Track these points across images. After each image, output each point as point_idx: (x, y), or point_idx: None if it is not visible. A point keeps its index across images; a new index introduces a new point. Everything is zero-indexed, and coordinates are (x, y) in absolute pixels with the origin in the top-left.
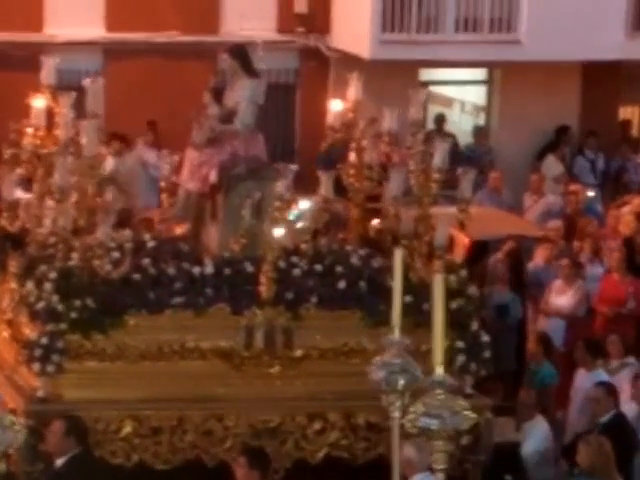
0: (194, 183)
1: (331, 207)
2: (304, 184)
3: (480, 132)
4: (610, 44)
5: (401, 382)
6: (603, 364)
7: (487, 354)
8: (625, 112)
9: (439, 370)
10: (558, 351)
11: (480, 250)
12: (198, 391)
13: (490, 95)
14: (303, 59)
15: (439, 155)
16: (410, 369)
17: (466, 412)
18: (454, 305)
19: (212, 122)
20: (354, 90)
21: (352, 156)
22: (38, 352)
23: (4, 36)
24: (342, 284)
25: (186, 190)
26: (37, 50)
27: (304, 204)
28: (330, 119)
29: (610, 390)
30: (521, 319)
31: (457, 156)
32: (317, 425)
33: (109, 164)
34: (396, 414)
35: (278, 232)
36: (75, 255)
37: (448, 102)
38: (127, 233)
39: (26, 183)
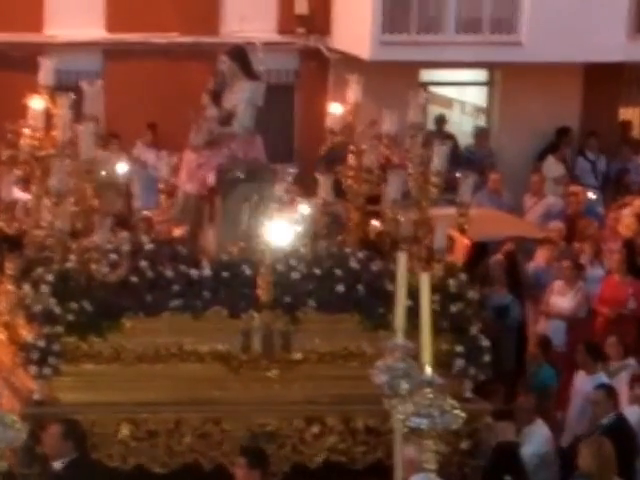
0: (192, 185)
1: (331, 209)
2: (304, 186)
3: (480, 133)
4: (611, 46)
5: (404, 386)
6: (603, 366)
7: (486, 358)
8: (626, 113)
9: (428, 369)
10: (559, 352)
11: (480, 252)
12: (195, 394)
13: (491, 96)
14: (303, 60)
15: (438, 158)
16: (413, 373)
17: (456, 411)
18: (453, 309)
19: (210, 124)
20: (354, 93)
21: (351, 159)
22: (35, 355)
23: (4, 36)
24: (341, 287)
25: (184, 192)
26: (37, 51)
27: (303, 207)
28: (329, 122)
29: (610, 393)
30: (521, 321)
31: (457, 158)
32: (315, 429)
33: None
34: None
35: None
36: (72, 257)
37: (448, 103)
38: (125, 235)
39: (24, 184)
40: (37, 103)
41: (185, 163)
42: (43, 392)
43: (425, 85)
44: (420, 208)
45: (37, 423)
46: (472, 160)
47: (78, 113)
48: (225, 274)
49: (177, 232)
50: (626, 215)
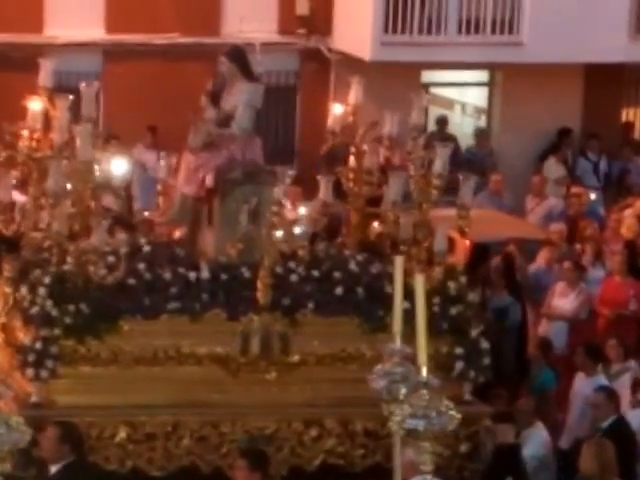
0: (190, 187)
1: (331, 210)
2: (305, 187)
3: (481, 134)
4: (613, 46)
5: (402, 391)
6: (604, 369)
7: (486, 361)
8: (627, 114)
9: (424, 371)
10: (560, 354)
11: (481, 253)
12: (193, 397)
13: (492, 97)
14: (304, 61)
15: (440, 161)
16: (411, 378)
17: (451, 412)
18: (453, 311)
19: (209, 126)
20: (355, 93)
21: (351, 160)
22: (32, 357)
23: (4, 37)
24: (339, 290)
25: (182, 194)
26: (37, 51)
27: (302, 209)
28: (330, 122)
29: (611, 395)
30: (521, 323)
31: (458, 159)
32: (314, 432)
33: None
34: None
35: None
36: (70, 260)
37: (449, 104)
38: (122, 238)
39: (23, 186)
40: (36, 104)
41: (183, 165)
42: (40, 395)
43: (426, 86)
44: (421, 210)
45: (34, 426)
46: (473, 161)
47: (78, 114)
48: (224, 276)
49: (177, 234)
50: (627, 216)
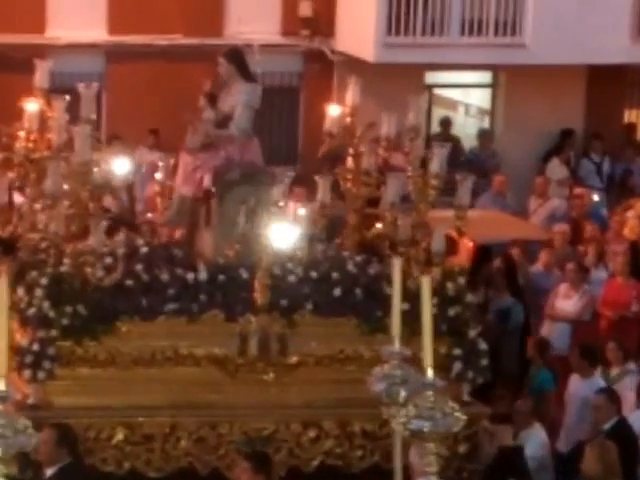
0: (188, 188)
1: (332, 211)
2: (309, 188)
3: (485, 135)
4: (615, 48)
5: (402, 394)
6: (603, 372)
7: (484, 362)
8: (630, 116)
9: (429, 372)
10: (563, 356)
11: (484, 254)
12: (191, 398)
13: (495, 98)
14: (307, 62)
15: (437, 161)
16: (411, 380)
17: (457, 414)
18: (451, 312)
19: (207, 127)
20: (352, 95)
21: (349, 161)
22: (29, 359)
23: (6, 38)
24: (338, 291)
25: (180, 195)
26: (39, 53)
27: (301, 209)
28: (328, 124)
29: (612, 397)
30: (524, 324)
31: (462, 160)
32: (312, 433)
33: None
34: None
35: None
36: (67, 261)
37: (453, 105)
38: (120, 239)
39: (22, 187)
40: (32, 105)
41: (181, 165)
42: (37, 396)
43: (430, 87)
44: (419, 211)
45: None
46: (476, 162)
47: (78, 115)
48: (221, 277)
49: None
50: (630, 217)
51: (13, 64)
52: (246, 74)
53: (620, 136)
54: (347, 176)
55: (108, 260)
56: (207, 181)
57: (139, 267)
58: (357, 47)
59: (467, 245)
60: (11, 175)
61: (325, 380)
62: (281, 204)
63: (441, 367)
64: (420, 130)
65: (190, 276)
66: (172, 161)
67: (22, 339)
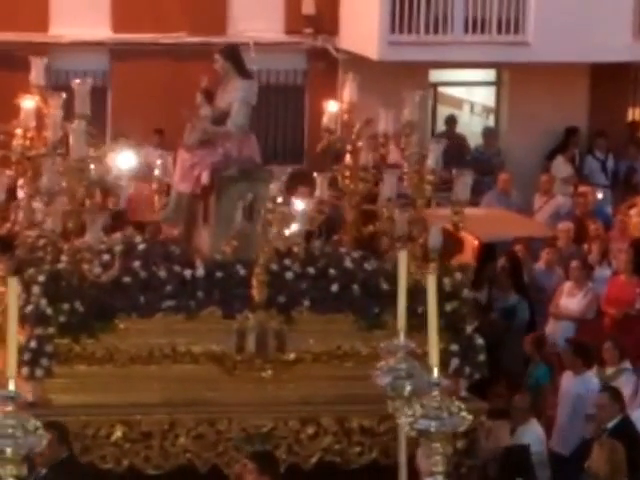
0: (186, 185)
1: (331, 207)
2: (313, 186)
3: (489, 133)
4: (618, 46)
5: (407, 388)
6: (598, 371)
7: (481, 357)
8: (634, 113)
9: (435, 372)
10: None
11: (489, 252)
12: (189, 395)
13: (499, 96)
14: (311, 60)
15: (433, 157)
16: (416, 374)
17: (463, 413)
18: (448, 308)
19: (204, 123)
20: (349, 92)
21: (347, 158)
22: (27, 356)
23: (9, 36)
24: (335, 287)
25: (178, 192)
26: (42, 51)
27: (299, 204)
28: (325, 120)
29: (615, 395)
30: (530, 322)
31: (467, 158)
32: (310, 430)
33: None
34: (402, 420)
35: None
36: (64, 258)
37: (458, 103)
38: (118, 236)
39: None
40: (28, 103)
41: (179, 162)
42: (35, 394)
43: (434, 85)
44: (415, 207)
45: None
46: (481, 160)
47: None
48: (219, 274)
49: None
50: (634, 215)
51: (17, 62)
52: (242, 71)
53: (624, 134)
54: (345, 173)
55: (106, 257)
56: (205, 178)
57: (136, 264)
58: (361, 45)
59: (472, 243)
60: (9, 173)
61: (323, 376)
62: (279, 200)
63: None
64: (415, 126)
65: (188, 273)
66: (170, 158)
67: (19, 336)
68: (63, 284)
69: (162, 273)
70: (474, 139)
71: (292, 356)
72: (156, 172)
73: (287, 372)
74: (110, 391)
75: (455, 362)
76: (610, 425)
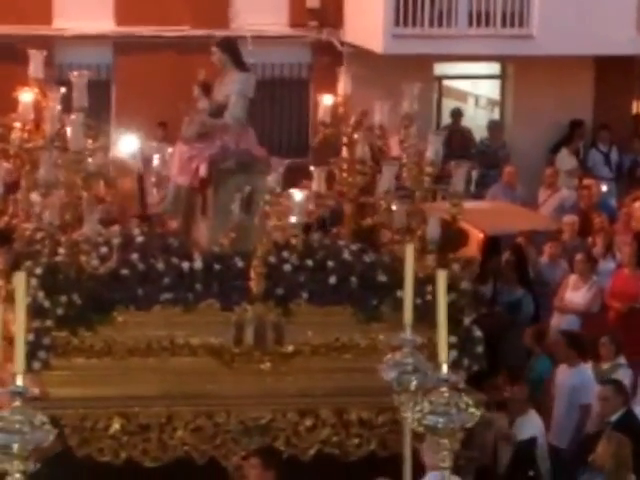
0: (184, 177)
1: (328, 202)
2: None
3: (494, 127)
4: (622, 39)
5: (414, 382)
6: (594, 366)
7: (479, 349)
8: (638, 106)
9: (444, 368)
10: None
11: (493, 246)
12: (187, 388)
13: (504, 89)
14: (316, 53)
15: (432, 148)
16: (422, 368)
17: (471, 409)
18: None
19: (202, 116)
20: (344, 84)
21: (344, 150)
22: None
23: (13, 29)
24: (333, 279)
25: (176, 185)
26: (46, 44)
27: (298, 195)
28: (321, 114)
29: (619, 388)
30: (535, 315)
31: (472, 151)
32: (308, 422)
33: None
34: (408, 414)
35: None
36: (62, 250)
37: (462, 96)
38: (115, 228)
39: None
40: (26, 96)
41: (177, 155)
42: (33, 386)
43: (439, 79)
44: (414, 199)
45: None
46: (487, 153)
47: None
48: (217, 266)
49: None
50: (638, 208)
51: (19, 55)
52: (239, 63)
53: (628, 127)
54: (342, 165)
55: (103, 250)
56: (203, 170)
57: (135, 256)
58: (365, 38)
59: (477, 237)
60: (7, 165)
61: (321, 369)
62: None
63: (436, 355)
64: (414, 118)
65: (186, 265)
66: (168, 151)
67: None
68: (60, 276)
69: (160, 265)
70: (479, 132)
71: (290, 348)
72: (154, 164)
73: (285, 364)
74: (108, 384)
75: (453, 354)
76: (613, 418)
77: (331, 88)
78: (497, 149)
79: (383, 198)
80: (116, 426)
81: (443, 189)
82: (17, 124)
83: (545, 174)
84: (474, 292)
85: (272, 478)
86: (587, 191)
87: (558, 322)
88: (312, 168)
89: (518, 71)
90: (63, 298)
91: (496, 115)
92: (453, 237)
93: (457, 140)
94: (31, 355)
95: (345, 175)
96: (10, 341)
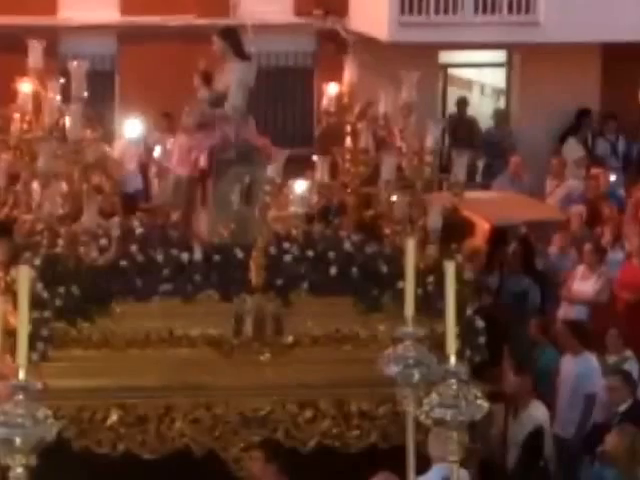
0: (184, 168)
1: (330, 192)
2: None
3: (500, 115)
4: (629, 25)
5: (417, 376)
6: (600, 358)
7: (481, 340)
8: None
9: (452, 360)
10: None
11: (500, 236)
12: (186, 379)
13: (509, 78)
14: (321, 42)
15: (431, 137)
16: (425, 361)
17: (480, 401)
18: None
19: (202, 106)
20: (348, 73)
21: (347, 140)
22: None
23: (18, 20)
24: (334, 270)
25: (176, 175)
26: (51, 34)
27: (300, 185)
28: (325, 103)
29: (627, 378)
30: (542, 306)
31: (478, 140)
32: (308, 413)
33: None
34: (410, 408)
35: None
36: (61, 242)
37: (468, 85)
38: (115, 220)
39: None
40: (26, 87)
41: (177, 146)
42: (31, 377)
43: (445, 67)
44: (414, 189)
45: None
46: (492, 143)
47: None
48: (216, 257)
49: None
50: None
51: (24, 46)
52: (240, 52)
53: (636, 115)
54: (345, 155)
55: (103, 241)
56: (203, 161)
57: (134, 247)
58: (371, 26)
59: (483, 227)
60: (5, 157)
61: (321, 360)
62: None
63: (438, 346)
64: (413, 107)
65: (185, 256)
66: (169, 141)
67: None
68: (59, 268)
69: (159, 256)
70: (485, 121)
71: (290, 339)
72: (155, 155)
73: (285, 355)
74: (106, 375)
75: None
76: (622, 409)
77: (336, 77)
78: (503, 138)
79: (384, 188)
80: (114, 417)
81: (446, 178)
82: (17, 115)
83: (552, 164)
84: (476, 282)
85: (274, 471)
86: (595, 181)
87: (566, 312)
88: (315, 157)
89: (524, 59)
90: (62, 289)
91: (502, 104)
92: (456, 227)
93: (462, 129)
94: (29, 346)
95: (348, 165)
96: (8, 332)
